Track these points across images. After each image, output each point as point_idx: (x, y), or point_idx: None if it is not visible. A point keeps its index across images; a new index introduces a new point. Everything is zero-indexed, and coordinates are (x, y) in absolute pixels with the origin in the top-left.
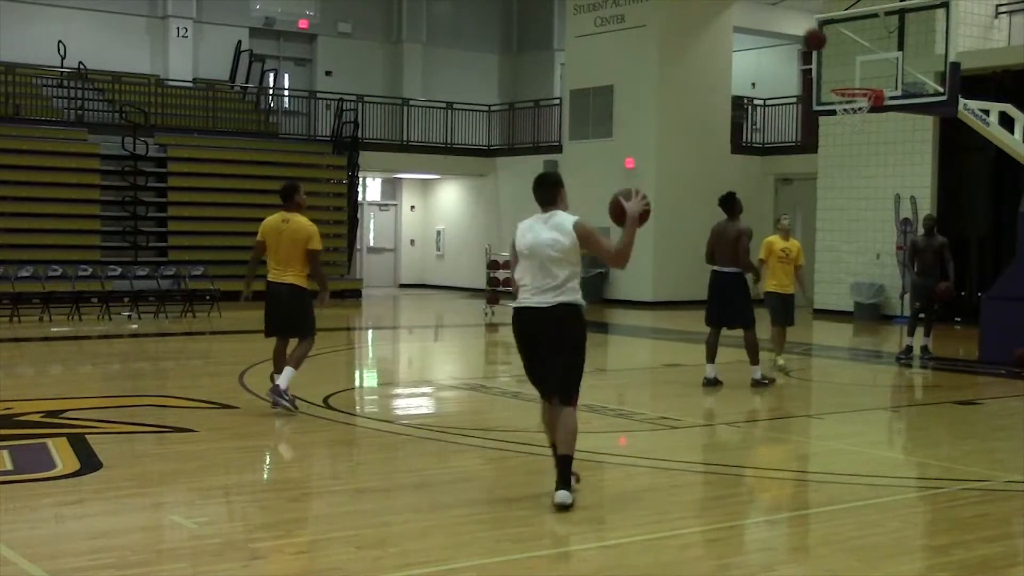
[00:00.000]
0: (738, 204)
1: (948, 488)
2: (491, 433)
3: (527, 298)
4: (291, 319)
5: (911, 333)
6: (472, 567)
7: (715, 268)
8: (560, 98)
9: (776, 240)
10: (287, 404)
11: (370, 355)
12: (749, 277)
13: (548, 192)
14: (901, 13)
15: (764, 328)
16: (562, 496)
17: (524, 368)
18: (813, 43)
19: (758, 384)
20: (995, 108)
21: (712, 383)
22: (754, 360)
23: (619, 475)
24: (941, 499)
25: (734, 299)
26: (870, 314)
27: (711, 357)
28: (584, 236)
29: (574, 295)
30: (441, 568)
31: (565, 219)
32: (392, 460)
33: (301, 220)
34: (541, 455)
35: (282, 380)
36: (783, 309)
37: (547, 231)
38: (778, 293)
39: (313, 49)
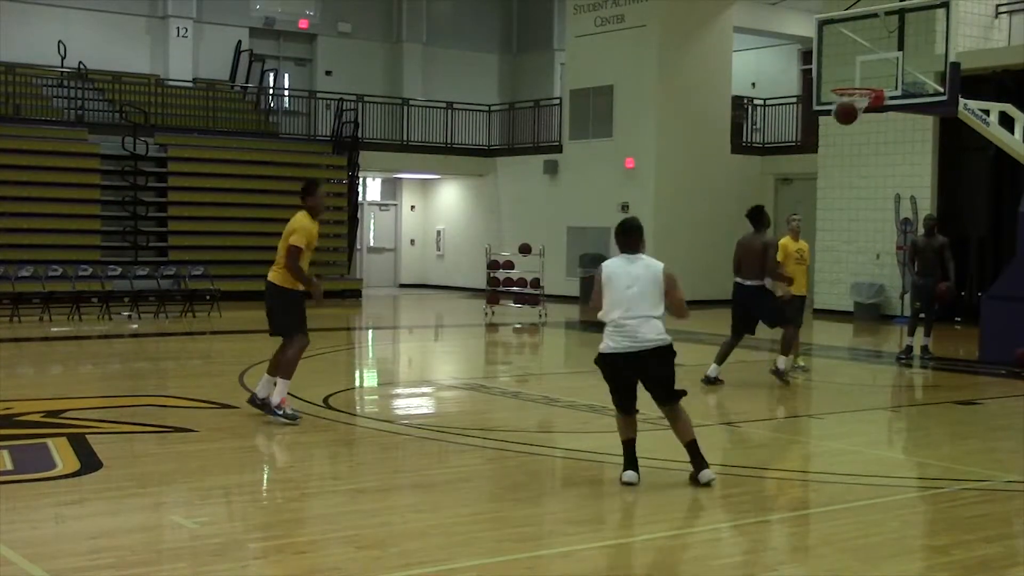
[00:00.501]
0: (765, 217)
1: (948, 488)
2: (491, 433)
3: (627, 342)
4: (271, 316)
5: (911, 333)
6: (472, 567)
7: (737, 280)
8: (560, 98)
9: (790, 242)
10: (283, 419)
11: (370, 355)
12: (779, 286)
13: (634, 239)
14: (901, 13)
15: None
16: (707, 475)
17: (617, 398)
18: (844, 117)
19: (779, 375)
20: (995, 108)
21: (711, 381)
22: (785, 351)
23: (619, 475)
24: (941, 499)
25: (757, 310)
26: (870, 314)
27: (719, 359)
28: (669, 281)
29: (666, 336)
30: (441, 568)
31: (654, 262)
32: (392, 460)
33: (296, 216)
34: (540, 455)
35: (275, 395)
36: (798, 310)
37: (640, 269)
38: (795, 295)
39: (313, 49)
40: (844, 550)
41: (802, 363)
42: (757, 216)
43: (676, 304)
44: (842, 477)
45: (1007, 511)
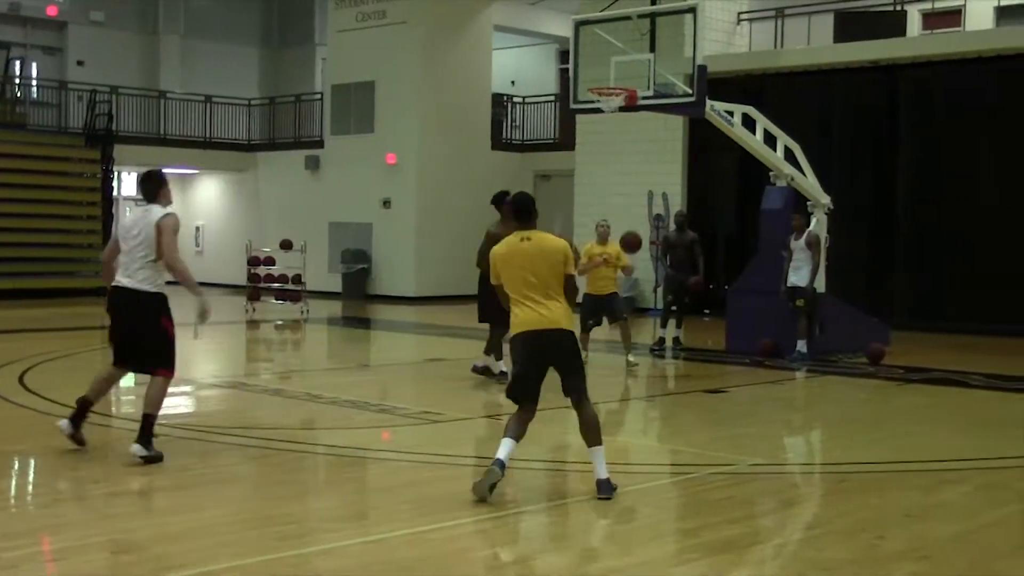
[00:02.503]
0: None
1: (698, 473)
2: (253, 431)
3: None
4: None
5: (664, 325)
6: (234, 567)
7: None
8: (321, 93)
9: (593, 246)
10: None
11: None
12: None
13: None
14: (652, 16)
15: None
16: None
17: None
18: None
19: (482, 371)
20: (738, 110)
21: (481, 372)
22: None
23: (382, 470)
24: (692, 484)
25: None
26: (626, 307)
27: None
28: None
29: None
30: (201, 570)
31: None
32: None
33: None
34: (303, 452)
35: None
36: (603, 310)
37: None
38: (592, 295)
39: (63, 37)
40: (602, 537)
41: (632, 359)
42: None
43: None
44: None
45: (750, 493)
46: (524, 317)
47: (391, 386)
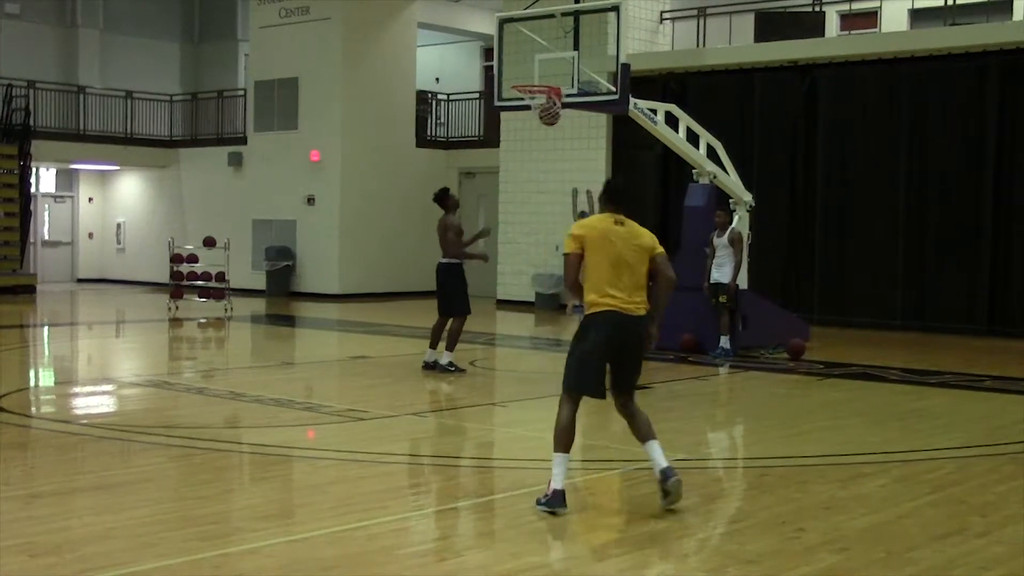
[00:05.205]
0: (450, 200)
1: (624, 468)
2: (175, 431)
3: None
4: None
5: None
6: (157, 568)
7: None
8: (244, 89)
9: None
10: None
11: (46, 353)
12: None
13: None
14: (576, 14)
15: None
16: None
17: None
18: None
19: (444, 370)
20: (662, 108)
21: (431, 367)
22: (449, 347)
23: (307, 468)
24: (616, 479)
25: (444, 289)
26: (550, 304)
27: (432, 343)
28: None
29: None
30: (124, 571)
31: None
32: (70, 462)
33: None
34: (227, 451)
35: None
36: None
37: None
38: None
39: None
40: (527, 533)
41: None
42: (440, 199)
43: None
44: (524, 463)
45: None
46: (608, 301)
47: (316, 384)
